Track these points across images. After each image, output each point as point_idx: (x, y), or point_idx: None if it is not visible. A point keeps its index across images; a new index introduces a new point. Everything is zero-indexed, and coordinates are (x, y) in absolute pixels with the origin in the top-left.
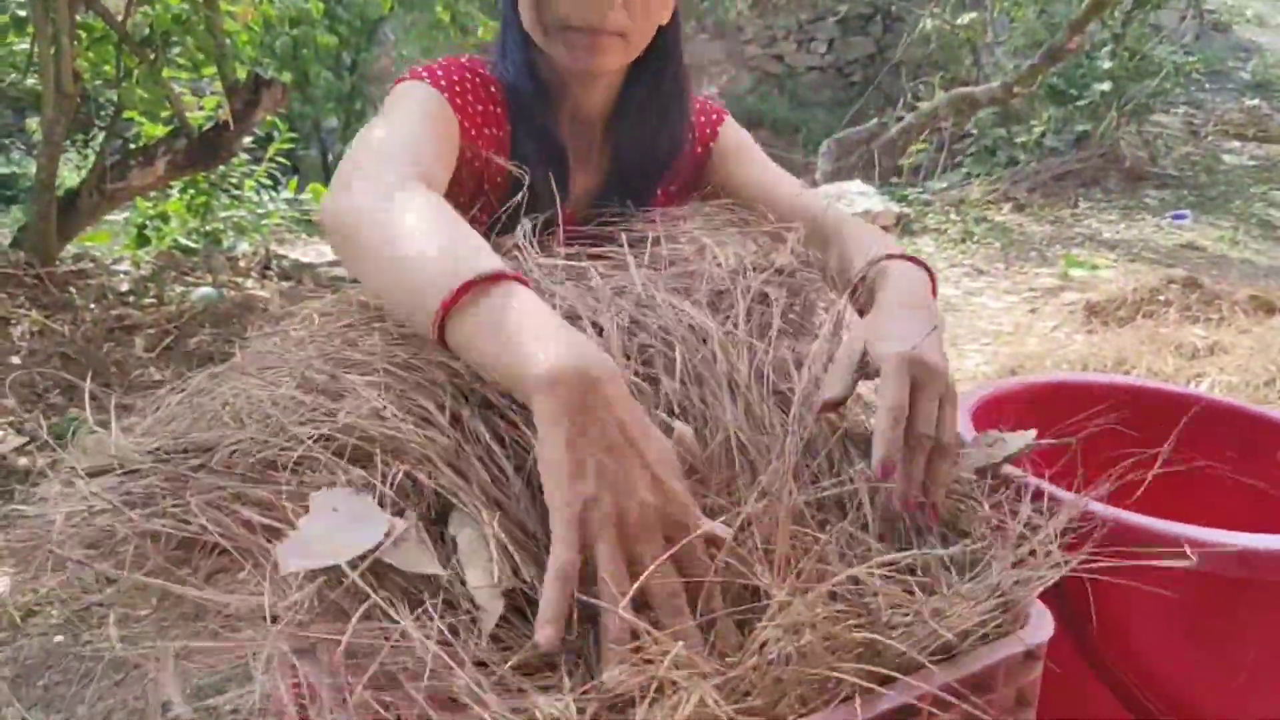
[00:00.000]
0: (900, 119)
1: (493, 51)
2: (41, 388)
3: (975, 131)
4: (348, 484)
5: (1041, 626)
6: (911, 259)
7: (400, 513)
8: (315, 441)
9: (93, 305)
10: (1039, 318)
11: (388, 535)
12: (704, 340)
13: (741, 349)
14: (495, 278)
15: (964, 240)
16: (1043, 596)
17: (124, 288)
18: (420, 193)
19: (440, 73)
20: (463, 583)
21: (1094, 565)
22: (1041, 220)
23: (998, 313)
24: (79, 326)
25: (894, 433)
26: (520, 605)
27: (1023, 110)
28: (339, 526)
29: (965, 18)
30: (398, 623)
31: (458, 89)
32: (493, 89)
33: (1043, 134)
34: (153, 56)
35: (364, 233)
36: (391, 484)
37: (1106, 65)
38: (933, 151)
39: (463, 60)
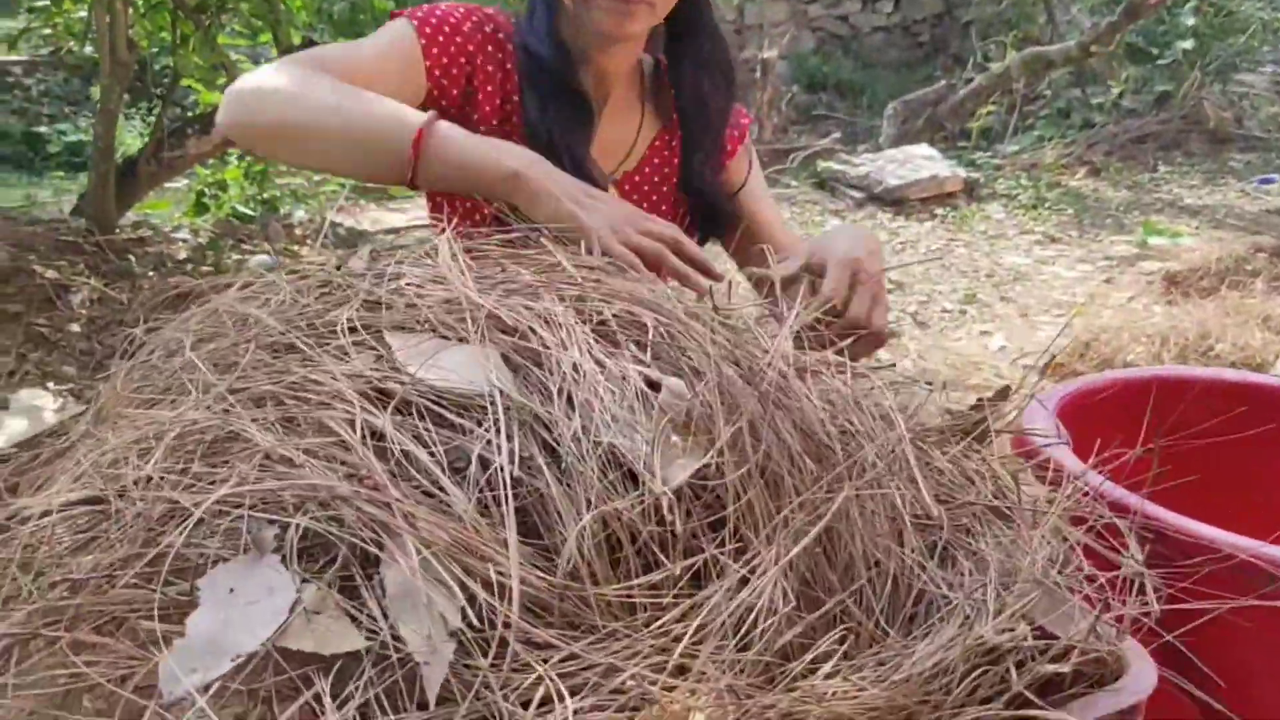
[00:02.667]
0: (969, 80)
1: (521, 15)
2: (100, 356)
3: (1049, 93)
4: (254, 548)
5: (1143, 677)
6: None
7: (330, 564)
8: (202, 517)
9: (151, 273)
10: (1115, 288)
11: (295, 611)
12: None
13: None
14: (431, 121)
15: (1035, 206)
16: (1147, 643)
17: (182, 255)
18: (317, 77)
19: (437, 16)
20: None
21: (1206, 602)
22: (1118, 185)
23: (1071, 282)
24: (137, 294)
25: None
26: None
27: (1099, 70)
28: (234, 615)
29: None
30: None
31: (434, 22)
32: (502, 51)
33: (1121, 95)
34: (208, 23)
35: (308, 96)
36: (294, 541)
37: (1190, 22)
38: (1003, 114)
39: (461, 9)
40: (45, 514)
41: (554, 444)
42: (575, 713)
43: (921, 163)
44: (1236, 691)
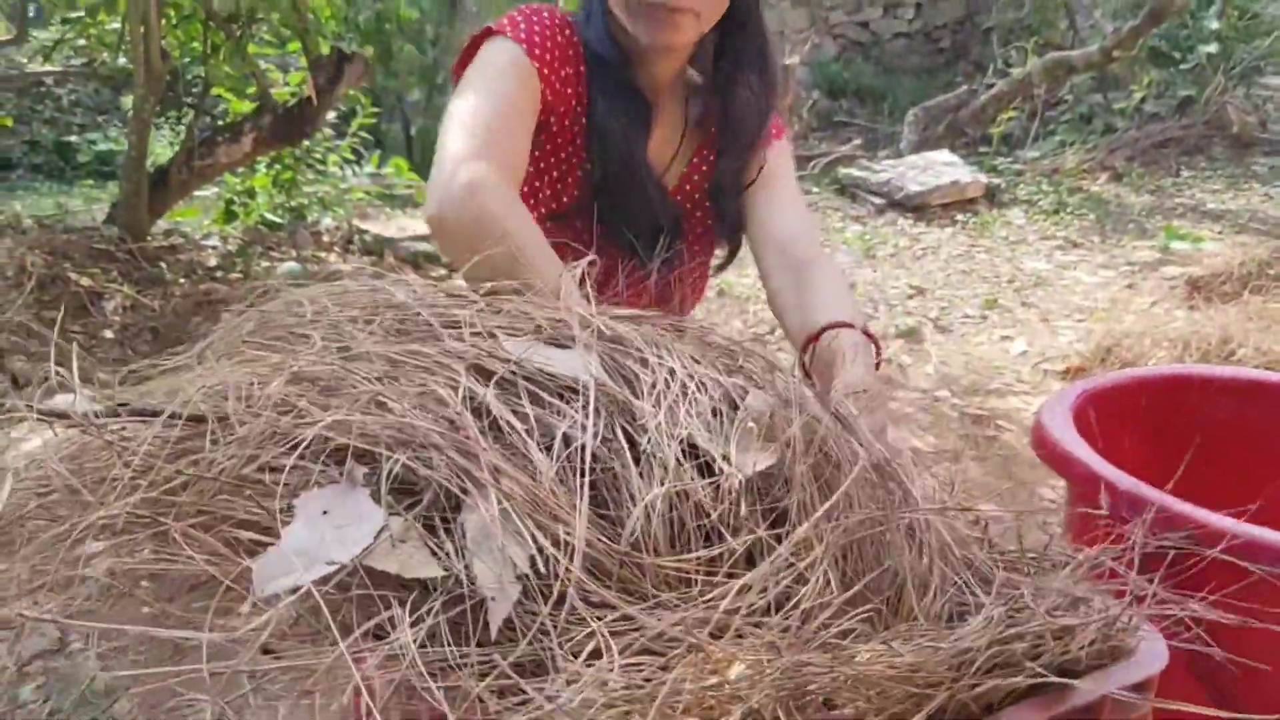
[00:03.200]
0: (991, 86)
1: (579, 14)
2: (132, 359)
3: (1070, 98)
4: (347, 480)
5: (1153, 655)
6: (864, 331)
7: (414, 505)
8: (308, 445)
9: (182, 280)
10: (1137, 293)
11: (379, 536)
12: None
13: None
14: None
15: (1057, 211)
16: (1171, 634)
17: (212, 262)
18: (517, 210)
19: (522, 24)
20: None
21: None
22: (1140, 190)
23: (1092, 288)
24: (169, 301)
25: None
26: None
27: (1121, 75)
28: (326, 533)
29: None
30: (387, 634)
31: (537, 39)
32: (573, 51)
33: (1143, 99)
34: (238, 33)
35: (482, 246)
36: (389, 477)
37: (1214, 25)
38: (1024, 119)
39: (544, 13)
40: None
41: (637, 433)
42: (622, 666)
43: (942, 169)
44: (1247, 676)
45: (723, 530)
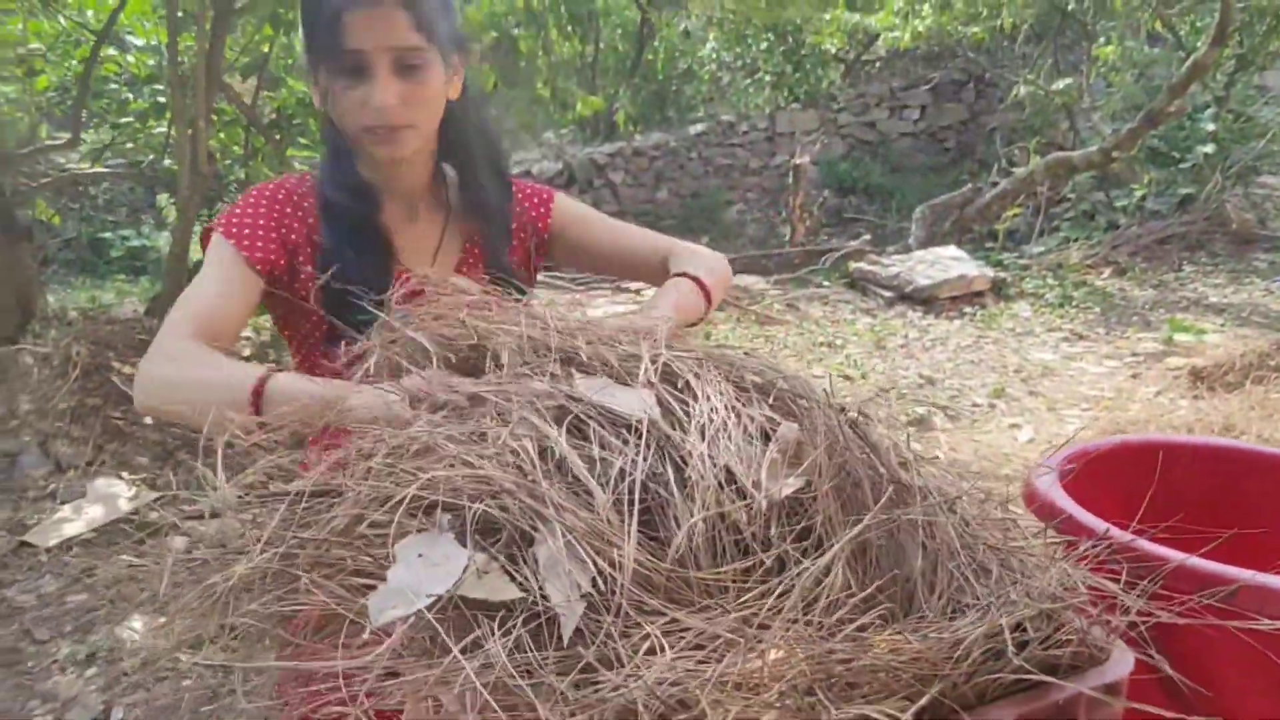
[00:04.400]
0: (995, 184)
1: (321, 168)
2: (170, 446)
3: (1073, 196)
4: (436, 528)
5: (1122, 663)
6: (695, 279)
7: (495, 542)
8: (407, 502)
9: None
10: (1141, 383)
11: (467, 570)
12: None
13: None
14: (259, 386)
15: (1062, 305)
16: (1141, 650)
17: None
18: (204, 349)
19: (236, 217)
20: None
21: (1181, 612)
22: (1144, 284)
23: (1098, 378)
24: None
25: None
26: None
27: (1122, 174)
28: (423, 571)
29: (1060, 83)
30: (481, 647)
31: (247, 228)
32: (305, 203)
33: (1144, 197)
34: (278, 137)
35: (170, 384)
36: (474, 520)
37: (1210, 127)
38: (1029, 216)
39: (263, 193)
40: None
41: (684, 459)
42: (675, 660)
43: (950, 263)
44: (1210, 687)
45: (754, 545)
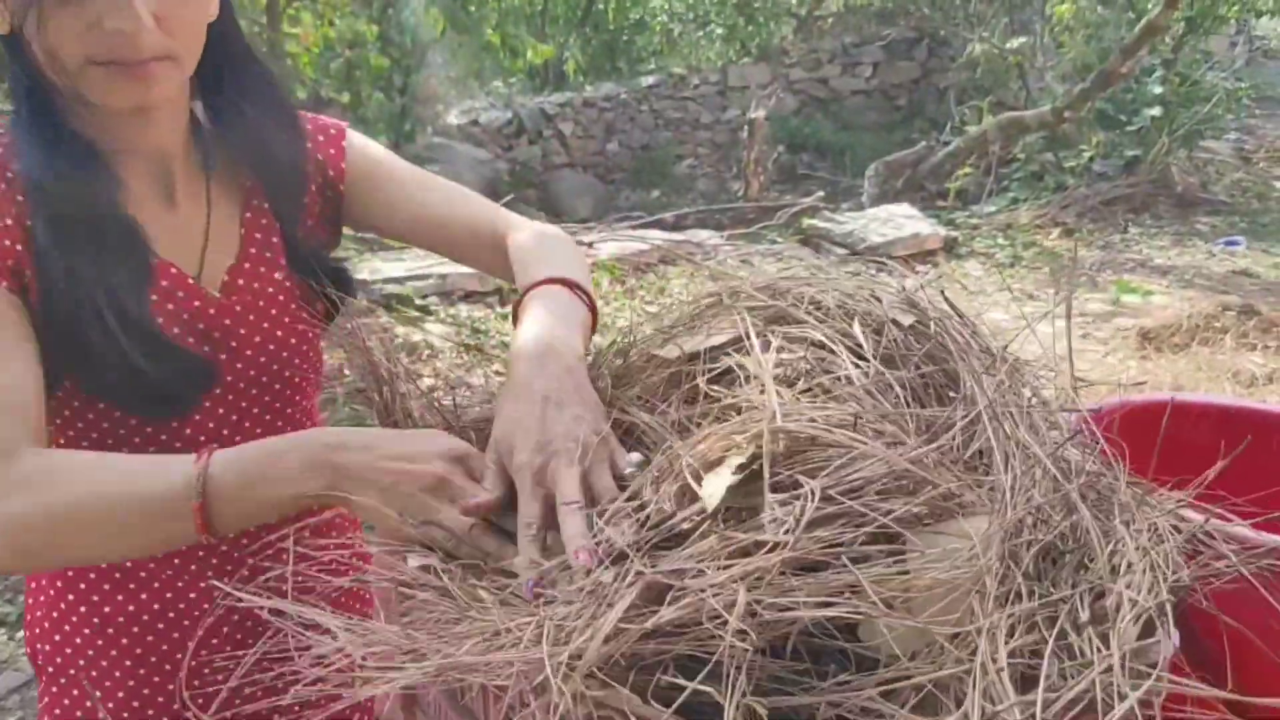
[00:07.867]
0: (947, 143)
1: (8, 147)
2: None
3: (1022, 156)
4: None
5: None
6: (568, 283)
7: None
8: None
9: None
10: (1090, 343)
11: None
12: None
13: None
14: (204, 470)
15: (1012, 264)
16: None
17: None
18: (57, 462)
19: None
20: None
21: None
22: (1091, 245)
23: (1048, 338)
24: None
25: (536, 548)
26: None
27: (1071, 135)
28: None
29: (1014, 42)
30: None
31: None
32: (9, 172)
33: (1092, 159)
34: None
35: (40, 524)
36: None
37: (1157, 90)
38: (980, 176)
39: None
40: None
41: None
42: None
43: (903, 221)
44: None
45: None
